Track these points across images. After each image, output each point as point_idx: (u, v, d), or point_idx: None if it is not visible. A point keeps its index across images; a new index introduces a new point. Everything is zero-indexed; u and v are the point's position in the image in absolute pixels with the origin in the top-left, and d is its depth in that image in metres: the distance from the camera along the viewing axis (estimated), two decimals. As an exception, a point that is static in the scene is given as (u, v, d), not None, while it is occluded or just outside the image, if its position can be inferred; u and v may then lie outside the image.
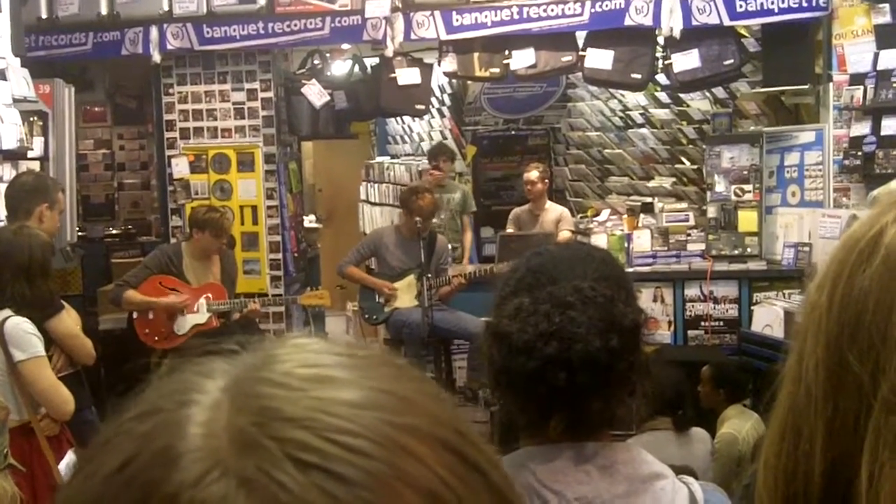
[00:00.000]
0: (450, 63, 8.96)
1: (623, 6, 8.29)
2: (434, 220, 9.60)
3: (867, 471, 0.90)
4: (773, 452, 1.02)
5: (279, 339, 0.70)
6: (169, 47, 8.96)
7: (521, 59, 8.71)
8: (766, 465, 1.03)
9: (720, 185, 8.67)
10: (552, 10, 8.46)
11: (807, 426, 0.97)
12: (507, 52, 8.76)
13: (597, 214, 10.16)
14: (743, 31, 8.72)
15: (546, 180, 9.67)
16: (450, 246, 9.01)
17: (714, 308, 8.43)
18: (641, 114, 10.98)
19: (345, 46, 9.94)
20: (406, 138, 13.84)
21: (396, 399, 0.64)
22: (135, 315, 7.92)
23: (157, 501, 0.58)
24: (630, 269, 8.53)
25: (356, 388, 0.63)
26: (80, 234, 9.81)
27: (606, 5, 8.35)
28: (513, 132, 12.39)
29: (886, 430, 0.91)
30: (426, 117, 12.06)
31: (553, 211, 9.54)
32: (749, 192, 8.57)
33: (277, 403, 0.61)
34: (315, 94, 9.28)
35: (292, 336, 0.72)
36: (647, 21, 8.26)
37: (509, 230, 9.61)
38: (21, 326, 4.69)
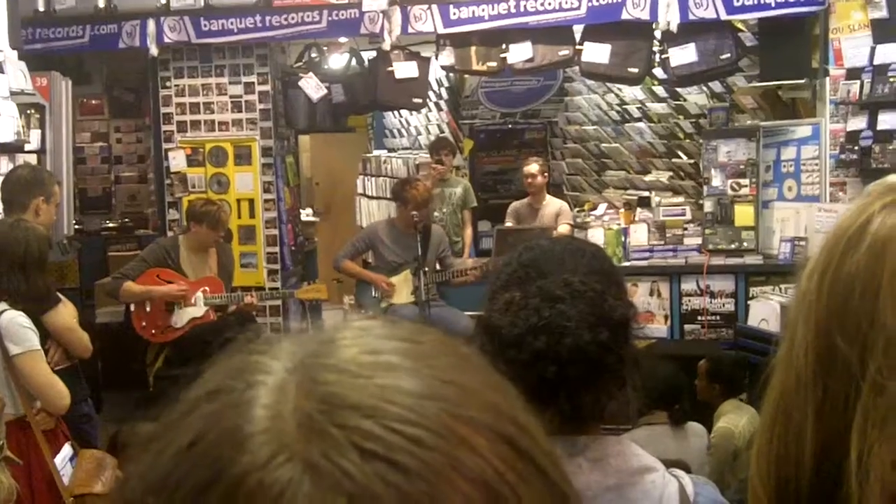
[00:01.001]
0: (447, 57, 8.96)
1: (620, 0, 8.30)
2: (436, 214, 9.62)
3: (857, 450, 0.92)
4: (765, 439, 1.04)
5: (343, 322, 0.71)
6: (166, 40, 8.95)
7: (519, 53, 8.71)
8: (759, 452, 1.04)
9: (717, 180, 8.68)
10: (549, 4, 8.46)
11: (797, 410, 0.99)
12: (504, 46, 8.76)
13: (594, 208, 10.16)
14: (740, 26, 8.72)
15: (546, 174, 9.67)
16: (447, 238, 8.99)
17: (710, 302, 8.44)
18: (638, 108, 10.97)
19: (342, 40, 9.93)
20: (403, 132, 13.83)
21: (458, 389, 0.64)
22: (132, 308, 7.92)
23: (226, 481, 0.59)
24: (627, 263, 8.55)
25: (419, 376, 0.63)
26: (76, 227, 9.83)
27: (603, -1, 8.37)
28: (510, 126, 12.39)
29: (874, 411, 0.92)
30: (423, 111, 12.05)
31: (552, 205, 9.52)
32: (746, 186, 8.58)
33: (342, 390, 0.62)
34: (312, 87, 9.28)
35: (356, 319, 0.72)
36: (644, 15, 8.27)
37: (508, 224, 9.60)
38: (16, 320, 4.69)
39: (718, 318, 8.41)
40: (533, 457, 0.65)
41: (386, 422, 0.60)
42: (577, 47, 8.63)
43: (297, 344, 0.67)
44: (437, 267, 8.50)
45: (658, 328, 8.40)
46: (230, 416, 0.62)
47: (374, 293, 8.49)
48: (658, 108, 10.79)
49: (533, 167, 9.49)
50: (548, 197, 9.62)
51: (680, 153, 10.60)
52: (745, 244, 8.54)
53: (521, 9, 8.50)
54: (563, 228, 8.89)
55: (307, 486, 0.57)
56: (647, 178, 10.72)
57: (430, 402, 0.62)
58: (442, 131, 12.60)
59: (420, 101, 9.58)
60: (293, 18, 8.84)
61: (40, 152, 7.45)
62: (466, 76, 11.65)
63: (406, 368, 0.64)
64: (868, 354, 0.94)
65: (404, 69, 9.09)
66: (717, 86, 9.80)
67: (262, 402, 0.62)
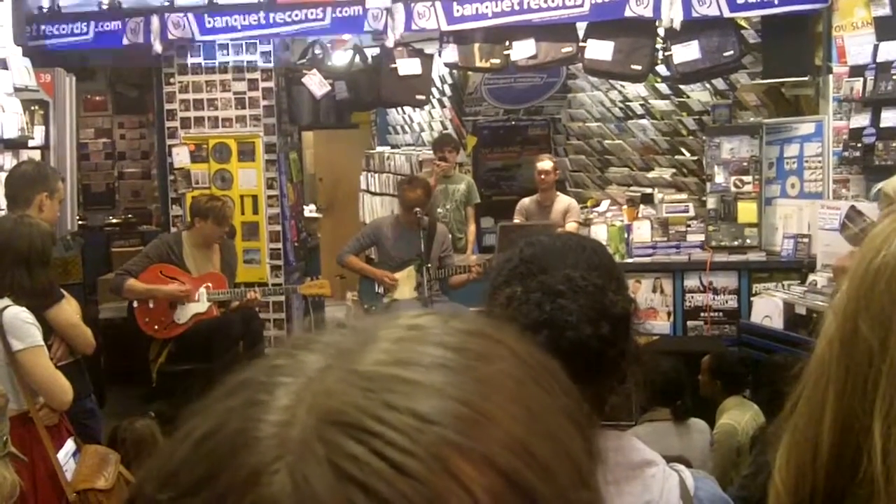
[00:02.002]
0: (450, 53, 8.96)
1: (623, -3, 8.30)
2: (439, 211, 9.62)
3: (880, 432, 0.93)
4: (790, 430, 1.05)
5: (393, 317, 0.69)
6: (170, 37, 8.96)
7: (522, 50, 8.71)
8: (783, 444, 1.06)
9: (720, 177, 8.67)
10: (553, 1, 8.45)
11: (818, 396, 1.00)
12: (507, 43, 8.76)
13: (597, 205, 10.16)
14: (743, 23, 8.72)
15: (558, 171, 9.66)
16: (450, 236, 8.99)
17: (713, 299, 8.44)
18: (641, 105, 10.97)
19: (346, 37, 9.93)
20: (406, 128, 13.83)
21: (470, 412, 0.61)
22: (135, 304, 7.93)
23: (224, 481, 0.59)
24: (630, 260, 8.55)
25: (430, 396, 0.61)
26: (80, 222, 9.84)
27: (607, -4, 8.37)
28: (513, 123, 12.39)
29: None
30: (427, 107, 12.04)
31: (561, 202, 9.50)
32: (749, 183, 8.58)
33: (346, 406, 0.60)
34: (316, 84, 9.28)
35: (409, 314, 0.70)
36: (648, 12, 8.26)
37: (516, 220, 9.59)
38: (19, 316, 4.69)
39: (721, 314, 8.41)
40: (537, 497, 0.61)
41: (374, 445, 0.58)
42: (581, 44, 8.62)
43: (335, 342, 0.66)
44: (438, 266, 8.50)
45: (661, 325, 8.40)
46: (244, 416, 0.62)
47: (377, 289, 8.49)
48: (661, 105, 10.79)
49: (547, 164, 9.47)
50: (558, 194, 9.61)
51: (683, 150, 10.61)
52: (748, 241, 8.53)
53: (525, 6, 8.49)
54: (571, 226, 8.88)
55: (288, 497, 0.57)
56: (651, 174, 10.73)
57: (431, 427, 0.59)
58: (445, 128, 12.61)
59: (423, 97, 9.58)
60: (297, 15, 8.85)
61: (44, 148, 7.48)
62: (470, 73, 11.67)
63: (421, 384, 0.61)
64: (890, 339, 0.95)
65: (408, 66, 9.10)
66: (720, 83, 9.79)
67: (277, 405, 0.61)
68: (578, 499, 0.64)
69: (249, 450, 0.59)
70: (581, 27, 8.67)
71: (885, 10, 7.56)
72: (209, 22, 8.94)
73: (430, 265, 8.11)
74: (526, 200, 9.76)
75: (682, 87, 10.23)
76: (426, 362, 0.63)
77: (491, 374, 0.64)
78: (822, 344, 1.02)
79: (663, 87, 10.62)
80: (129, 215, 12.82)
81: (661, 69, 9.26)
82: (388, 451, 0.58)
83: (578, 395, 0.70)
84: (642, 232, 8.84)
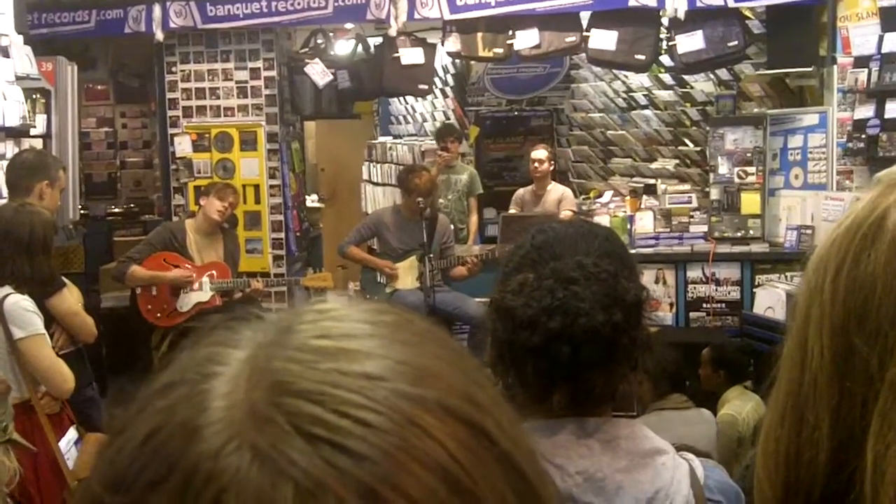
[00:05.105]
0: (453, 43, 8.94)
1: (627, -13, 8.28)
2: (441, 201, 9.60)
3: (873, 452, 0.91)
4: (773, 438, 1.02)
5: (304, 306, 0.70)
6: (172, 25, 8.95)
7: (525, 40, 8.69)
8: (766, 450, 1.03)
9: (723, 167, 8.65)
10: (556, -9, 8.44)
11: (811, 413, 0.97)
12: (510, 33, 8.73)
13: (599, 196, 10.16)
14: (747, 13, 8.69)
15: (552, 161, 9.66)
16: (452, 226, 8.98)
17: (716, 290, 8.43)
18: (645, 95, 10.96)
19: (348, 26, 9.92)
20: (409, 118, 13.82)
21: (413, 369, 0.63)
22: (138, 291, 7.92)
23: (180, 473, 0.59)
24: (632, 251, 8.51)
25: (371, 358, 0.63)
26: (82, 212, 9.83)
27: (611, -15, 8.35)
28: (516, 113, 12.37)
29: (893, 413, 0.91)
30: (429, 97, 12.05)
31: (555, 191, 9.54)
32: (752, 174, 8.56)
33: (291, 377, 0.61)
34: (318, 73, 9.27)
35: (317, 301, 0.72)
36: (652, 2, 8.24)
37: (512, 210, 9.60)
38: (20, 304, 4.68)
39: (724, 305, 8.40)
40: (495, 439, 0.64)
41: (333, 406, 0.59)
42: (584, 34, 8.60)
43: (257, 332, 0.67)
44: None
45: (663, 315, 8.39)
46: (185, 409, 0.62)
47: (378, 279, 8.48)
48: (665, 95, 10.78)
49: (541, 153, 9.50)
50: (552, 183, 9.62)
51: (686, 141, 10.60)
52: (751, 232, 8.52)
53: (528, -5, 8.48)
54: (566, 215, 8.87)
55: (254, 473, 0.57)
56: (654, 165, 10.72)
57: (381, 383, 0.61)
58: (448, 118, 12.59)
59: (426, 87, 9.56)
60: (299, 4, 8.84)
61: (46, 137, 7.45)
62: (473, 63, 11.65)
63: (358, 351, 0.63)
64: (888, 356, 0.92)
65: (410, 55, 9.08)
66: (724, 73, 9.78)
67: (218, 393, 0.62)
68: (514, 432, 0.66)
69: (200, 438, 0.59)
70: (585, 17, 8.65)
71: (891, 1, 7.55)
72: (211, 10, 8.92)
73: (431, 255, 8.09)
74: (521, 190, 9.78)
75: (685, 77, 10.21)
76: (354, 333, 0.66)
77: (410, 337, 0.67)
78: (813, 355, 0.98)
79: (667, 78, 10.60)
80: (131, 205, 12.82)
81: (665, 59, 9.23)
82: (349, 410, 0.59)
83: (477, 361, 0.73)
84: (645, 223, 8.83)
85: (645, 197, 9.32)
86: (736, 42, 8.30)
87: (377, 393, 0.60)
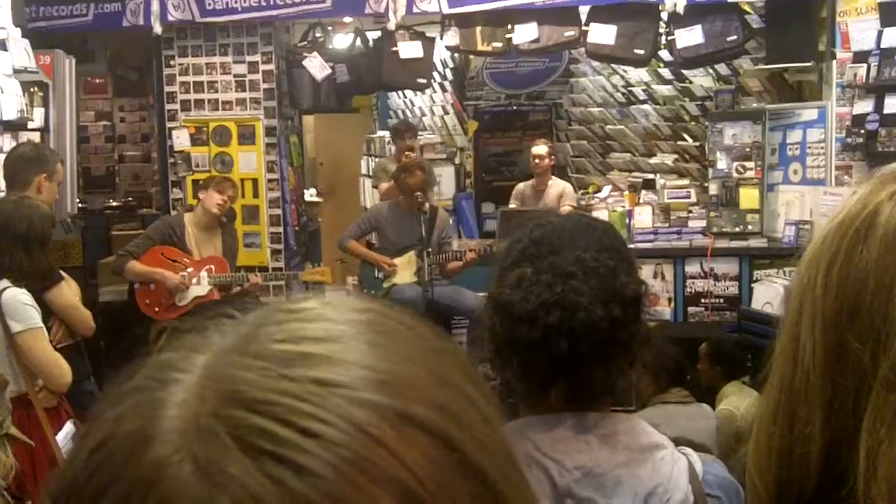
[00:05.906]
0: (452, 37, 8.93)
1: (627, -19, 8.27)
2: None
3: (865, 448, 0.91)
4: (765, 435, 1.02)
5: (274, 305, 0.67)
6: (170, 19, 8.93)
7: (524, 34, 8.68)
8: (758, 446, 1.03)
9: (722, 162, 8.65)
10: (555, -15, 8.43)
11: (803, 409, 0.97)
12: (509, 27, 8.73)
13: (598, 190, 10.16)
14: (747, 8, 8.68)
15: (553, 156, 9.66)
16: (451, 221, 8.97)
17: (714, 285, 8.43)
18: (644, 90, 10.96)
19: (347, 19, 9.92)
20: (408, 112, 13.80)
21: (376, 374, 0.60)
22: (136, 286, 7.91)
23: (123, 483, 0.57)
24: (631, 246, 8.52)
25: (331, 363, 0.60)
26: (80, 205, 9.84)
27: (610, -20, 8.34)
28: (515, 107, 12.35)
29: (885, 408, 0.91)
30: (428, 92, 12.03)
31: (556, 186, 9.53)
32: (751, 169, 8.56)
33: (242, 385, 0.58)
34: (316, 67, 9.25)
35: (290, 301, 0.69)
36: (651, -4, 8.24)
37: (512, 205, 9.59)
38: (18, 297, 4.68)
39: (722, 300, 8.41)
40: (460, 448, 0.60)
41: (282, 416, 0.56)
42: (583, 28, 8.60)
43: (224, 335, 0.65)
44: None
45: (662, 310, 8.40)
46: (136, 418, 0.60)
47: (377, 273, 8.48)
48: (664, 90, 10.77)
49: (541, 148, 9.49)
50: (553, 179, 9.62)
51: (685, 136, 10.60)
52: (749, 227, 8.52)
53: (527, -11, 8.47)
54: (566, 210, 8.87)
55: (194, 486, 0.55)
56: (652, 160, 10.72)
57: (333, 390, 0.58)
58: (446, 112, 12.58)
59: (424, 81, 9.55)
60: (298, -3, 8.83)
61: (44, 130, 7.45)
62: (471, 57, 11.63)
63: (320, 355, 0.60)
64: (881, 351, 0.92)
65: (409, 49, 9.07)
66: (723, 68, 9.78)
67: (173, 401, 0.60)
68: (487, 437, 0.63)
69: (148, 446, 0.58)
70: (584, 11, 8.64)
71: (890, -4, 7.54)
72: (210, 4, 8.90)
73: (430, 250, 8.08)
74: (521, 185, 9.78)
75: (684, 72, 10.22)
76: (320, 336, 0.62)
77: (383, 339, 0.64)
78: (805, 351, 0.98)
79: (666, 73, 10.60)
80: (129, 198, 12.82)
81: (664, 54, 9.22)
82: (296, 419, 0.56)
83: (466, 358, 0.70)
84: (643, 218, 8.83)
85: (643, 192, 9.33)
86: (735, 37, 8.30)
87: (329, 401, 0.57)
